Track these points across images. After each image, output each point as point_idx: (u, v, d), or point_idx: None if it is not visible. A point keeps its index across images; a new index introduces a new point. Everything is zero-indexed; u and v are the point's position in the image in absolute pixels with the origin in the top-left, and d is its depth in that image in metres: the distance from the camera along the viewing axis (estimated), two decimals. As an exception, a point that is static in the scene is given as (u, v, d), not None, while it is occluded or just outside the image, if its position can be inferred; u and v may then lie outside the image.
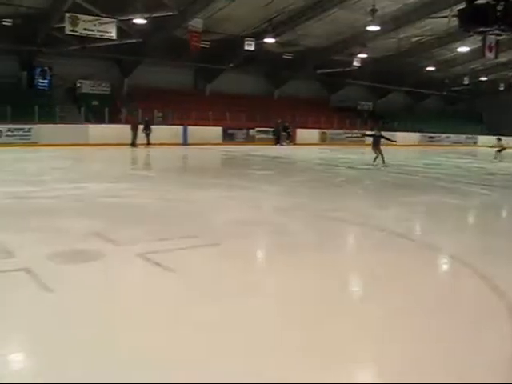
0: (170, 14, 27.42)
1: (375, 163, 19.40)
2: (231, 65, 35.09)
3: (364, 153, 24.89)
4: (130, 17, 26.81)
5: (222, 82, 36.46)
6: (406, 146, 37.39)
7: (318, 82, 42.59)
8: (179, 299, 4.82)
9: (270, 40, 31.54)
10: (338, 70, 38.14)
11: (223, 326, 4.24)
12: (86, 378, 3.37)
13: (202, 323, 4.24)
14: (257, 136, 34.59)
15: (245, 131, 34.03)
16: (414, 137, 42.44)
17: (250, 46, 31.55)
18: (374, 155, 19.44)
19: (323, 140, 37.60)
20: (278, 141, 33.91)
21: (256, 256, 6.97)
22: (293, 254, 6.43)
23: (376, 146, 19.81)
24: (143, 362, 3.63)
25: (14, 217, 8.50)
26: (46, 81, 30.53)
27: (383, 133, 20.82)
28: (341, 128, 39.29)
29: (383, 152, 19.55)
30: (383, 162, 19.23)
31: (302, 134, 35.72)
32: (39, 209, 9.30)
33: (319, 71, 39.02)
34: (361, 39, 33.63)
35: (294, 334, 4.13)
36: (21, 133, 24.95)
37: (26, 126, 25.22)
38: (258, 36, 31.46)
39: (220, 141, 31.78)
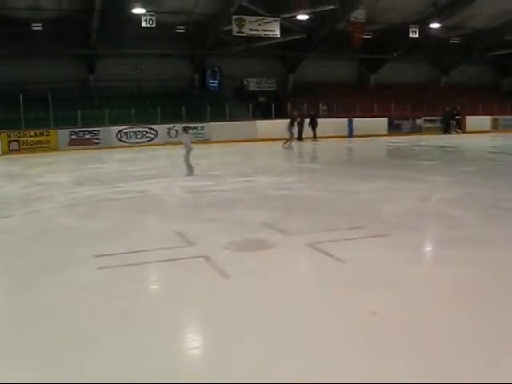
0: (333, 7, 27.48)
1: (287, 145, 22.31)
2: (395, 54, 34.29)
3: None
4: (292, 14, 27.31)
5: (386, 72, 35.75)
6: None
7: (489, 66, 40.11)
8: (350, 288, 4.94)
9: (435, 25, 30.34)
10: (510, 51, 35.65)
11: (393, 315, 4.31)
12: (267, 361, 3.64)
13: (374, 311, 4.34)
14: (424, 126, 33.51)
15: (411, 121, 33.15)
16: None
17: (414, 33, 30.59)
18: None
19: (495, 127, 35.39)
20: (446, 129, 32.60)
21: (425, 248, 6.88)
22: (466, 247, 6.24)
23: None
24: (322, 342, 3.82)
25: (192, 209, 9.22)
26: (216, 81, 32.12)
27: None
28: (516, 114, 36.72)
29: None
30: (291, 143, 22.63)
31: (471, 121, 33.93)
32: (214, 201, 9.94)
33: (489, 54, 36.77)
34: (536, 16, 31.11)
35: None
36: (194, 131, 26.46)
37: (199, 125, 26.81)
38: (422, 22, 30.43)
39: (385, 132, 31.26)
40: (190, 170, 13.73)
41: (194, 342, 4.15)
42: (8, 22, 24.38)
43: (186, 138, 14.32)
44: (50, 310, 4.66)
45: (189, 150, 13.86)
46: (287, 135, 22.88)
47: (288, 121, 23.70)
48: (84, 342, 3.99)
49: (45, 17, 25.42)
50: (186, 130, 14.70)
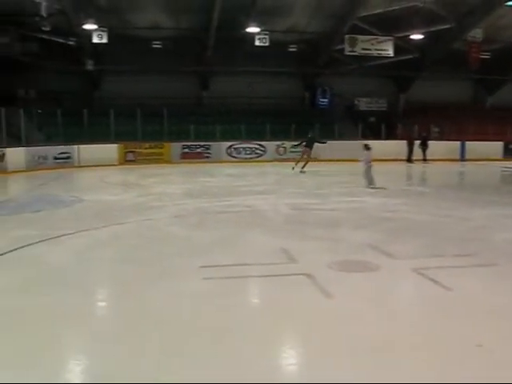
0: (448, 26, 26.84)
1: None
2: (516, 74, 32.86)
3: None
4: (406, 33, 26.89)
5: (504, 93, 34.27)
6: None
7: None
8: (455, 318, 4.81)
9: (560, 44, 28.86)
10: None
11: (500, 350, 4.16)
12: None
13: (480, 343, 4.21)
14: (543, 151, 31.83)
15: (529, 145, 31.60)
16: None
17: (536, 52, 29.30)
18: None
19: None
20: None
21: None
22: None
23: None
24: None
25: (298, 226, 9.28)
26: (326, 100, 32.19)
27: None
28: None
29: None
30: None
31: None
32: (320, 219, 9.97)
33: None
34: None
35: None
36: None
37: (308, 143, 26.88)
38: (546, 40, 29.03)
39: (500, 156, 29.94)
40: (373, 183, 14.61)
41: (291, 359, 4.21)
42: (130, 41, 25.90)
43: (366, 154, 14.80)
44: (154, 315, 4.89)
45: (369, 167, 14.69)
46: (305, 157, 21.13)
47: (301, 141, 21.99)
48: (186, 349, 4.16)
49: (164, 35, 26.77)
50: (367, 147, 14.99)
